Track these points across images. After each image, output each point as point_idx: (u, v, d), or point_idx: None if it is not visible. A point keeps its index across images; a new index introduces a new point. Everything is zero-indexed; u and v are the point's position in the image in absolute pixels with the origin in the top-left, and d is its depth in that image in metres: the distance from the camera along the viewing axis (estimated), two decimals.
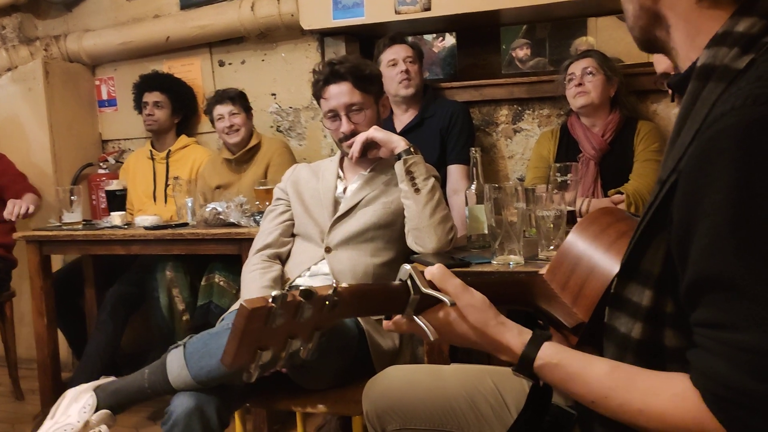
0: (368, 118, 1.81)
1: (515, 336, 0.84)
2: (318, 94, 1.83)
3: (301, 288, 0.74)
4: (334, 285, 0.77)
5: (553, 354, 0.80)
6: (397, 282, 0.86)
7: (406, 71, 2.53)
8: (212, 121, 2.85)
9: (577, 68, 2.34)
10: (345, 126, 1.79)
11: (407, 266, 0.86)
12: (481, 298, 0.86)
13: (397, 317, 0.87)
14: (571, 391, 0.79)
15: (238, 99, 2.80)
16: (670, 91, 1.67)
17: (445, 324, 0.86)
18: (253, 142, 2.82)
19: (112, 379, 1.60)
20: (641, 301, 0.74)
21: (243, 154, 2.81)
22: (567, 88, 2.37)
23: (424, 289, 0.84)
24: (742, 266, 0.63)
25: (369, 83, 1.82)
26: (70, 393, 1.55)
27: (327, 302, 0.76)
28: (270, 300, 0.71)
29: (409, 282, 0.85)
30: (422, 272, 0.87)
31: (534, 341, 0.82)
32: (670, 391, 0.70)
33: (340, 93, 1.78)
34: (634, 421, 0.72)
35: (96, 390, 1.54)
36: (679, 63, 0.80)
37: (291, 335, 0.75)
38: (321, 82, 1.80)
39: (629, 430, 0.77)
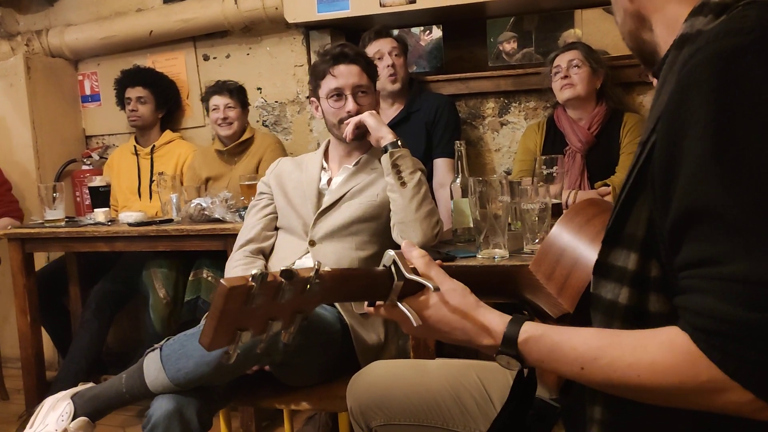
0: (371, 103, 1.82)
1: (497, 317, 0.83)
2: (323, 72, 1.80)
3: (281, 268, 0.72)
4: (317, 267, 0.75)
5: (536, 327, 0.79)
6: (380, 268, 0.84)
7: (393, 65, 2.52)
8: (207, 110, 2.82)
9: (562, 60, 2.33)
10: (351, 105, 1.78)
11: (391, 252, 0.85)
12: (461, 285, 0.86)
13: (380, 303, 0.86)
14: (558, 360, 0.75)
15: (236, 93, 2.78)
16: (655, 82, 1.67)
17: (426, 307, 0.84)
18: (246, 136, 2.81)
19: (90, 385, 1.58)
20: (627, 265, 0.72)
21: (235, 147, 2.79)
22: (553, 81, 2.37)
23: (407, 275, 0.83)
24: (727, 195, 0.61)
25: (374, 71, 1.86)
26: (48, 401, 1.53)
27: (308, 285, 0.75)
28: (249, 279, 0.69)
29: (392, 268, 0.84)
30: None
31: (515, 320, 0.81)
32: (657, 340, 0.67)
33: (350, 73, 1.77)
34: (625, 378, 0.69)
35: (73, 397, 1.52)
36: (662, 53, 0.80)
37: (272, 317, 0.73)
38: (331, 60, 1.78)
39: (611, 419, 0.76)
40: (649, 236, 0.70)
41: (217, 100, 2.75)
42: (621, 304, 0.73)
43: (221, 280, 0.69)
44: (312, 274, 0.75)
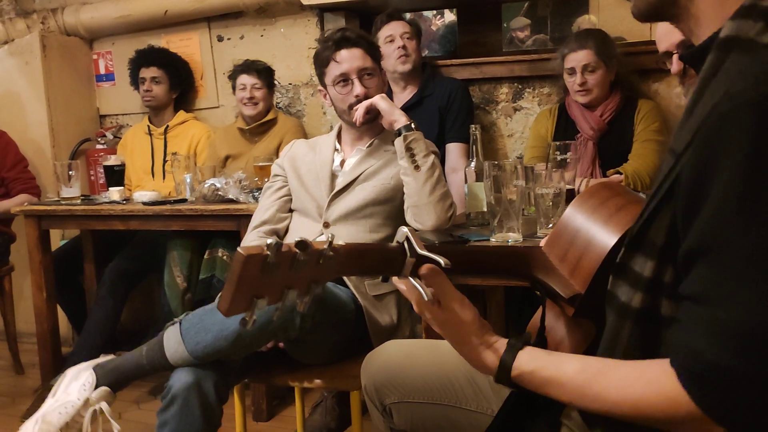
0: (378, 85, 1.82)
1: (495, 339, 0.87)
2: (326, 59, 1.80)
3: (296, 239, 0.74)
4: (330, 240, 0.77)
5: (527, 361, 0.83)
6: (394, 244, 0.86)
7: (404, 47, 2.51)
8: (234, 89, 2.84)
9: (576, 62, 2.26)
10: (358, 89, 1.77)
11: (404, 228, 0.86)
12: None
13: (394, 278, 0.88)
14: (549, 394, 0.81)
15: (264, 73, 2.80)
16: (674, 69, 1.66)
17: (436, 285, 0.87)
18: (269, 117, 2.83)
19: (111, 357, 1.61)
20: (643, 271, 0.75)
21: (257, 126, 2.81)
22: (567, 80, 2.32)
23: (420, 251, 0.84)
24: (738, 243, 0.63)
25: (377, 52, 1.85)
26: (70, 372, 1.56)
27: (322, 254, 0.76)
28: (265, 248, 0.71)
29: (405, 244, 0.85)
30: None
31: (509, 351, 0.84)
32: (644, 379, 0.71)
33: (353, 57, 1.77)
34: (612, 412, 0.74)
35: (95, 368, 1.55)
36: (698, 32, 0.78)
37: (288, 285, 0.76)
38: (333, 46, 1.78)
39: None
40: (668, 244, 0.72)
41: (245, 80, 2.77)
42: (633, 308, 0.76)
43: (239, 248, 0.71)
44: (326, 246, 0.77)
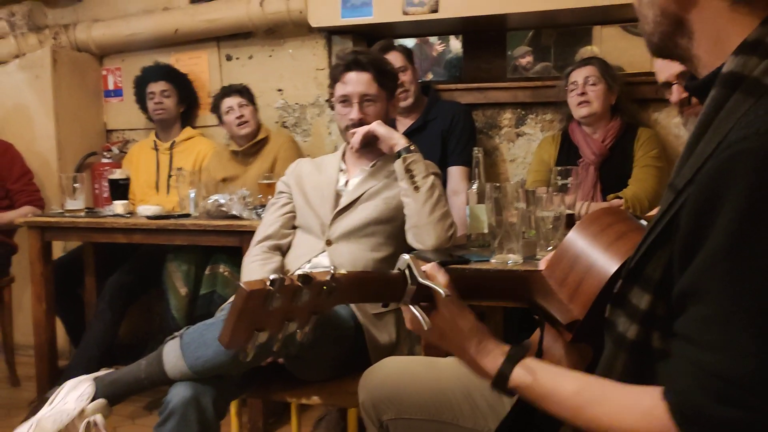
0: (378, 112, 1.84)
1: (495, 347, 0.87)
2: (335, 78, 1.86)
3: (299, 273, 0.75)
4: (332, 271, 0.78)
5: (525, 374, 0.83)
6: (395, 271, 0.87)
7: (401, 84, 2.53)
8: (219, 117, 2.87)
9: (579, 76, 2.36)
10: (355, 113, 1.81)
11: (406, 256, 0.88)
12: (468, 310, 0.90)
13: (393, 305, 0.89)
14: (546, 407, 0.81)
15: (245, 92, 2.83)
16: (673, 99, 1.69)
17: (435, 313, 0.88)
18: (261, 136, 2.85)
19: (110, 370, 1.61)
20: (639, 304, 0.76)
21: (250, 147, 2.84)
22: (569, 97, 2.39)
23: (421, 280, 0.85)
24: (728, 291, 0.64)
25: (387, 80, 1.87)
26: (70, 382, 1.56)
27: (324, 287, 0.78)
28: (268, 283, 0.72)
29: (406, 272, 0.86)
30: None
31: (509, 359, 0.85)
32: (639, 408, 0.72)
33: (358, 81, 1.81)
34: None
35: (95, 380, 1.56)
36: (700, 70, 0.79)
37: (288, 318, 0.77)
38: (342, 67, 1.83)
39: None
40: (665, 279, 0.73)
41: (230, 102, 2.80)
42: (628, 339, 0.77)
43: (241, 283, 0.72)
44: (328, 278, 0.78)
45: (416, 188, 1.73)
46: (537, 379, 0.82)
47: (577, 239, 0.98)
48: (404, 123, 2.65)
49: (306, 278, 0.75)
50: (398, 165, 1.76)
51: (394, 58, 2.54)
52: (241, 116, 2.79)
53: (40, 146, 3.29)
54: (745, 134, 0.65)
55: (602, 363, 0.81)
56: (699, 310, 0.67)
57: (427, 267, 0.89)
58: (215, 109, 2.87)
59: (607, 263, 0.92)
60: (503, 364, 0.85)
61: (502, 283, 1.03)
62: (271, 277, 0.72)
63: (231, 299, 1.84)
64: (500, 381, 0.85)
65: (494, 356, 0.86)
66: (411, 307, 0.87)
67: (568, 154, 2.42)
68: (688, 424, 0.67)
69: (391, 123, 2.55)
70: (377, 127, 1.79)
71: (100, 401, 1.48)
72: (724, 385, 0.64)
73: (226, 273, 2.53)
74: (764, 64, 0.69)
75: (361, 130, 1.80)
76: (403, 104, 2.56)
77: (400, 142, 1.78)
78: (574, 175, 1.75)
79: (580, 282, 0.94)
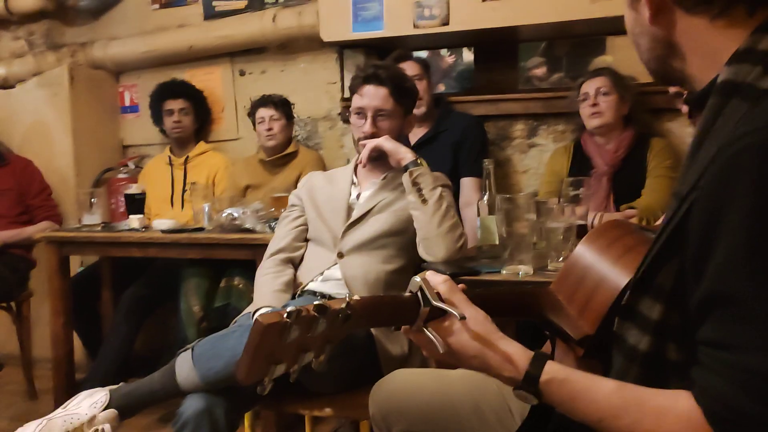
0: (392, 128, 1.85)
1: (520, 349, 0.84)
2: (353, 89, 1.88)
3: (315, 303, 0.75)
4: (347, 299, 0.78)
5: (559, 369, 0.80)
6: (407, 294, 0.87)
7: None
8: (254, 123, 2.91)
9: (590, 87, 2.35)
10: (368, 127, 1.83)
11: (417, 279, 0.87)
12: (483, 313, 0.88)
13: (406, 328, 0.88)
14: (577, 408, 0.78)
15: (281, 105, 2.86)
16: (685, 109, 1.69)
17: (450, 333, 0.86)
18: (290, 149, 2.89)
19: (125, 384, 1.63)
20: (651, 315, 0.75)
21: (279, 159, 2.87)
22: (581, 107, 2.39)
23: (434, 302, 0.85)
24: (752, 288, 0.64)
25: (405, 96, 1.88)
26: (86, 392, 1.58)
27: (340, 315, 0.78)
28: (285, 315, 0.72)
29: (419, 294, 0.86)
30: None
31: (538, 358, 0.83)
32: (676, 412, 0.70)
33: (375, 95, 1.83)
34: None
35: (111, 391, 1.58)
36: (697, 87, 0.80)
37: (304, 348, 0.77)
38: (360, 79, 1.85)
39: None
40: (676, 288, 0.72)
41: (263, 112, 2.84)
42: (641, 351, 0.76)
43: (257, 317, 0.72)
44: (343, 305, 0.78)
45: (424, 201, 1.74)
46: (571, 375, 0.79)
47: (585, 253, 0.97)
48: (416, 133, 2.66)
49: (322, 308, 0.75)
50: (405, 178, 1.78)
51: (410, 67, 2.56)
52: (270, 129, 2.83)
53: (58, 162, 3.35)
54: (746, 131, 0.66)
55: (613, 377, 0.80)
56: (727, 314, 0.66)
57: (440, 283, 0.88)
58: (251, 115, 2.91)
59: (617, 277, 0.91)
60: (533, 362, 0.82)
61: (512, 298, 1.02)
62: (288, 309, 0.72)
63: (245, 311, 1.87)
64: (531, 378, 0.81)
65: (519, 357, 0.83)
66: (425, 329, 0.86)
67: (580, 164, 2.41)
68: (728, 426, 0.66)
69: (404, 139, 2.58)
70: (384, 142, 1.81)
71: (112, 412, 1.49)
72: (765, 385, 0.63)
73: (240, 285, 2.55)
74: (757, 69, 0.70)
75: (368, 145, 1.81)
76: (416, 111, 2.57)
77: (406, 156, 1.79)
78: (585, 185, 1.75)
79: (590, 297, 0.93)
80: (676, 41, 0.79)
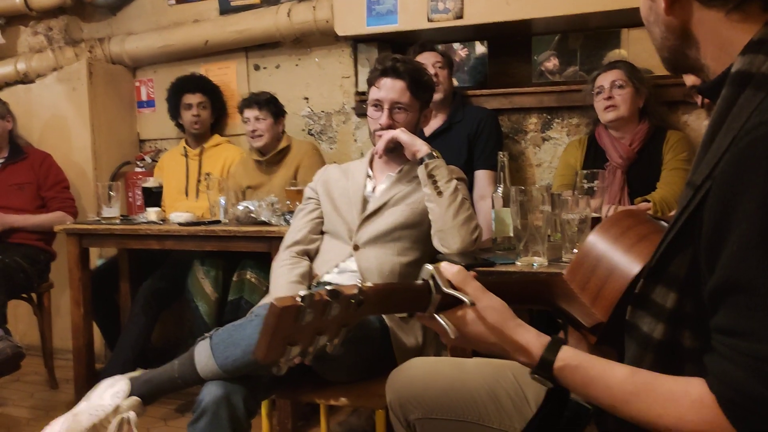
0: (407, 121, 1.87)
1: (534, 337, 0.86)
2: (371, 81, 1.89)
3: (327, 288, 0.77)
4: (360, 285, 0.80)
5: (573, 356, 0.82)
6: (419, 281, 0.89)
7: (435, 75, 2.57)
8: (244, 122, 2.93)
9: (605, 81, 2.35)
10: (384, 119, 1.85)
11: (429, 266, 0.89)
12: (499, 300, 0.89)
13: (420, 314, 0.90)
14: (590, 394, 0.80)
15: (266, 104, 2.85)
16: (699, 101, 1.69)
17: (464, 323, 0.88)
18: (282, 145, 2.89)
19: (145, 371, 1.66)
20: (665, 303, 0.76)
21: (273, 156, 2.88)
22: (595, 101, 2.38)
23: (445, 289, 0.87)
24: (765, 277, 0.65)
25: (422, 90, 1.89)
26: (106, 380, 1.61)
27: (352, 300, 0.80)
28: (299, 299, 0.75)
29: (431, 282, 0.88)
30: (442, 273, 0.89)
31: (553, 343, 0.84)
32: (689, 398, 0.71)
33: (392, 88, 1.84)
34: (652, 423, 0.74)
35: (131, 379, 1.61)
36: (710, 77, 0.81)
37: (318, 331, 0.79)
38: (378, 72, 1.86)
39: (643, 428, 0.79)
40: (690, 276, 0.74)
41: (248, 113, 2.85)
42: (655, 339, 0.77)
43: (273, 301, 0.75)
44: (356, 291, 0.80)
45: (439, 193, 1.75)
46: (585, 361, 0.81)
47: (597, 242, 0.98)
48: (431, 124, 2.67)
49: (335, 293, 0.77)
50: (421, 171, 1.79)
51: (431, 56, 2.57)
52: (255, 130, 2.83)
53: (77, 157, 3.40)
54: (761, 120, 0.66)
55: (627, 364, 0.81)
56: (740, 302, 0.67)
57: (453, 272, 0.90)
58: (241, 113, 2.92)
59: (630, 265, 0.92)
60: (548, 347, 0.84)
61: (524, 287, 1.03)
62: (301, 293, 0.74)
63: (260, 303, 1.90)
64: (545, 363, 0.82)
65: (534, 344, 0.85)
66: (437, 316, 0.88)
67: (594, 158, 2.41)
68: (741, 412, 0.67)
69: (420, 133, 2.59)
70: (400, 134, 1.82)
71: (135, 399, 1.52)
72: None
73: (253, 279, 2.58)
74: None
75: (385, 137, 1.83)
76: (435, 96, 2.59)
77: (422, 148, 1.80)
78: (600, 178, 1.75)
79: (603, 285, 0.94)
80: (691, 31, 0.81)
